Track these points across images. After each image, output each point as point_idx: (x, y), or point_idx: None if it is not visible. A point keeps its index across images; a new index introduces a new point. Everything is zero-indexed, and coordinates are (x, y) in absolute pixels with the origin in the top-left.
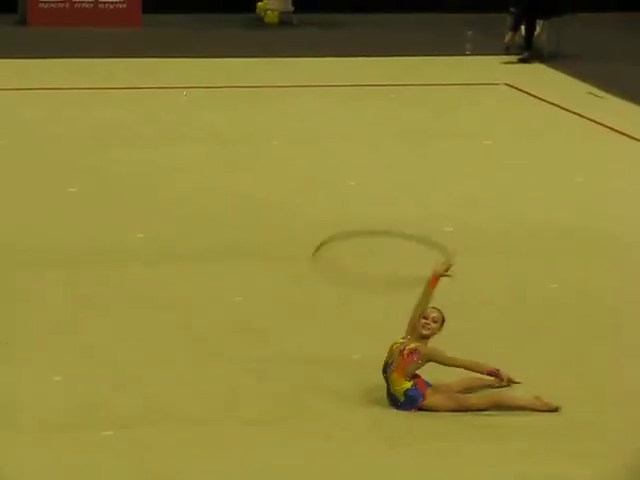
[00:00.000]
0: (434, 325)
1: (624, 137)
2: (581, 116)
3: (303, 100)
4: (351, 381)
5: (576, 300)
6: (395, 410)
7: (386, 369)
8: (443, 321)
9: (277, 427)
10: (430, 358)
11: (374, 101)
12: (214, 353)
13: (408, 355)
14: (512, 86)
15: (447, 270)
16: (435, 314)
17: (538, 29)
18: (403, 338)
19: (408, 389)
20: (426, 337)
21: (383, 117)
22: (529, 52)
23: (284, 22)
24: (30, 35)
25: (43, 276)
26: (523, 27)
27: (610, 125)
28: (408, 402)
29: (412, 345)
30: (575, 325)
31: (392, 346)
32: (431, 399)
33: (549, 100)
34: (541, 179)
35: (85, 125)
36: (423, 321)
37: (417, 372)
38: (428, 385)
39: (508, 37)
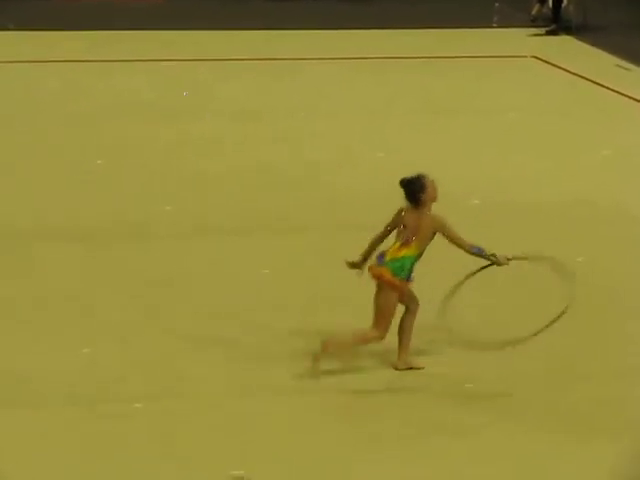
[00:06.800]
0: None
1: None
2: (609, 88)
3: (329, 73)
4: (381, 354)
5: (601, 274)
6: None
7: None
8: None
9: (301, 399)
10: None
11: (400, 74)
12: (239, 326)
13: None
14: (539, 58)
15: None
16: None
17: (565, 1)
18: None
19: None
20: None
21: (409, 89)
22: (556, 24)
23: None
24: (52, 8)
25: (71, 249)
26: None
27: (638, 98)
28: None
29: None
30: (600, 299)
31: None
32: None
33: (576, 72)
34: (568, 152)
35: (107, 97)
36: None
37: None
38: None
39: (535, 9)
